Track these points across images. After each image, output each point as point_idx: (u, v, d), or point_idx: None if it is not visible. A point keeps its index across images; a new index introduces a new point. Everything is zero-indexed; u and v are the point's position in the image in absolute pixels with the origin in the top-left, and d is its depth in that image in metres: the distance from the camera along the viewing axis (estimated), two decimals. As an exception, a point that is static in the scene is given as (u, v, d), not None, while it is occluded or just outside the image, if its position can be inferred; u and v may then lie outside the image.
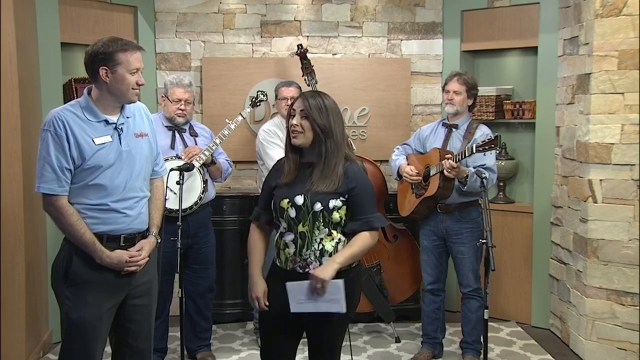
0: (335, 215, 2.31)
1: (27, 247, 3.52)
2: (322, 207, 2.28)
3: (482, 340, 3.59)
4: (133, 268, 2.42)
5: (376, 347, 3.97)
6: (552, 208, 4.22)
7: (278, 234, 2.41)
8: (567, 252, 3.99)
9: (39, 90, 3.87)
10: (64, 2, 4.02)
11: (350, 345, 3.55)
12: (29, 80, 3.68)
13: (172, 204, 3.22)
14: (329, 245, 2.32)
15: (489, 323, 3.13)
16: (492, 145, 3.17)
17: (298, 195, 2.31)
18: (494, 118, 4.43)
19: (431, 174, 3.47)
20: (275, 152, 3.70)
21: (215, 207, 4.23)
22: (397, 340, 4.03)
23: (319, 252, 2.32)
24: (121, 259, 2.38)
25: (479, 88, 4.50)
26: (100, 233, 2.35)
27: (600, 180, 3.63)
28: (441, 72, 4.66)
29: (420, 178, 3.57)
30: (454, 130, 3.59)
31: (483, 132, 3.53)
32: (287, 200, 2.32)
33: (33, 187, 3.68)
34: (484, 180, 3.19)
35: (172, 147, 3.48)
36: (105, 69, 2.32)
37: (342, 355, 3.16)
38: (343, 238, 2.36)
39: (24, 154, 3.48)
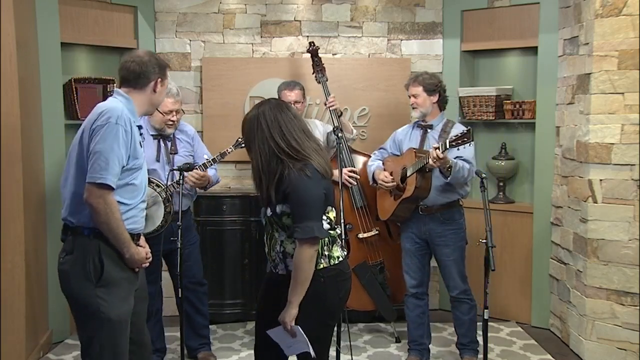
0: (287, 220, 2.30)
1: (27, 247, 3.52)
2: (271, 213, 2.32)
3: (477, 339, 3.61)
4: (147, 264, 2.50)
5: (376, 347, 3.97)
6: (552, 208, 4.22)
7: None
8: (567, 252, 3.99)
9: (39, 90, 3.87)
10: (64, 2, 4.02)
11: (350, 345, 3.55)
12: (29, 80, 3.68)
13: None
14: (289, 248, 2.33)
15: (489, 323, 3.13)
16: (465, 139, 3.11)
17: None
18: (494, 118, 4.43)
19: (408, 175, 3.44)
20: None
21: (215, 207, 4.25)
22: (397, 340, 4.04)
23: (281, 254, 2.35)
24: (143, 255, 2.46)
25: (478, 87, 4.54)
26: (128, 231, 2.39)
27: (600, 180, 3.63)
28: (441, 72, 4.66)
29: (396, 184, 3.55)
30: (429, 130, 3.58)
31: (459, 130, 3.50)
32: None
33: (33, 187, 3.71)
34: (484, 180, 3.18)
35: (158, 159, 3.44)
36: (160, 81, 2.48)
37: (342, 355, 3.17)
38: None
39: (24, 154, 3.48)
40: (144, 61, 2.46)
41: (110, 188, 2.27)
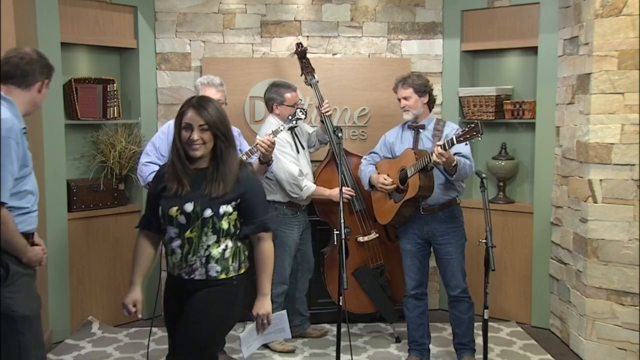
0: (224, 223, 2.31)
1: (27, 247, 3.52)
2: (212, 213, 2.29)
3: (474, 338, 3.60)
4: (44, 261, 2.47)
5: (376, 347, 3.97)
6: (552, 208, 4.22)
7: (167, 239, 2.40)
8: (567, 252, 3.99)
9: (39, 90, 3.86)
10: (64, 2, 4.02)
11: (350, 345, 3.56)
12: (29, 80, 3.68)
13: None
14: (215, 252, 2.33)
15: (489, 323, 3.13)
16: (474, 133, 3.07)
17: (188, 202, 2.30)
18: (494, 118, 4.43)
19: (409, 175, 3.42)
20: (292, 166, 3.70)
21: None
22: (397, 340, 4.03)
23: (205, 258, 2.33)
24: (40, 255, 2.43)
25: (478, 87, 4.54)
26: (22, 233, 2.36)
27: (600, 180, 3.63)
28: (441, 72, 4.66)
29: (396, 186, 3.53)
30: (421, 131, 3.57)
31: (452, 128, 3.52)
32: (176, 208, 2.32)
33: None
34: (484, 180, 3.18)
35: None
36: (47, 82, 2.46)
37: (341, 355, 3.17)
38: (231, 244, 2.36)
39: (23, 154, 3.48)
40: (33, 59, 2.40)
41: (2, 204, 2.22)
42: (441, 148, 3.15)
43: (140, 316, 2.48)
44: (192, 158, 2.33)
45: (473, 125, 3.08)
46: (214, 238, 2.32)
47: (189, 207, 2.30)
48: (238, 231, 2.39)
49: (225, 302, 2.37)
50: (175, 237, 2.35)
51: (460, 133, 3.13)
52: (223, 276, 2.35)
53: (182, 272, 2.36)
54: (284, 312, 2.46)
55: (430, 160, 3.24)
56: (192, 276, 2.34)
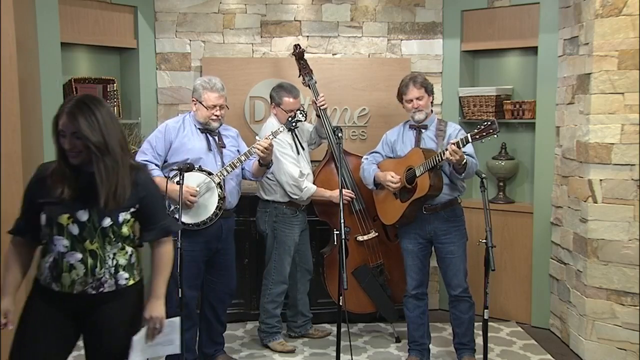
0: (125, 230, 2.19)
1: (27, 247, 3.52)
2: (111, 222, 2.15)
3: (474, 338, 3.61)
4: None
5: (376, 347, 3.97)
6: (552, 208, 4.22)
7: (54, 254, 2.16)
8: (567, 252, 3.99)
9: (39, 90, 3.87)
10: (64, 2, 4.02)
11: (350, 345, 3.56)
12: (29, 80, 3.68)
13: (188, 219, 3.30)
14: (122, 260, 2.21)
15: (489, 323, 3.13)
16: (491, 131, 3.08)
17: (81, 210, 2.12)
18: (494, 118, 4.43)
19: (417, 175, 3.42)
20: (292, 167, 3.70)
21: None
22: (397, 340, 4.04)
23: (113, 268, 2.19)
24: None
25: (478, 87, 4.56)
26: None
27: (600, 180, 3.63)
28: (441, 72, 4.66)
29: (402, 184, 3.52)
30: (423, 131, 3.57)
31: (455, 128, 3.55)
32: (68, 215, 2.12)
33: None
34: (484, 180, 3.18)
35: (210, 148, 3.41)
36: None
37: (341, 355, 3.17)
38: (131, 249, 2.26)
39: (24, 154, 3.48)
40: None
41: None
42: (455, 146, 3.17)
43: (11, 327, 2.26)
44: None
45: (489, 123, 3.09)
46: (118, 246, 2.19)
47: (83, 215, 2.12)
48: (134, 236, 2.26)
49: (133, 308, 2.27)
50: (68, 250, 2.14)
51: (477, 131, 3.16)
52: (131, 282, 2.25)
53: (87, 287, 2.16)
54: (177, 319, 2.32)
55: (441, 159, 3.25)
56: (101, 289, 2.18)
